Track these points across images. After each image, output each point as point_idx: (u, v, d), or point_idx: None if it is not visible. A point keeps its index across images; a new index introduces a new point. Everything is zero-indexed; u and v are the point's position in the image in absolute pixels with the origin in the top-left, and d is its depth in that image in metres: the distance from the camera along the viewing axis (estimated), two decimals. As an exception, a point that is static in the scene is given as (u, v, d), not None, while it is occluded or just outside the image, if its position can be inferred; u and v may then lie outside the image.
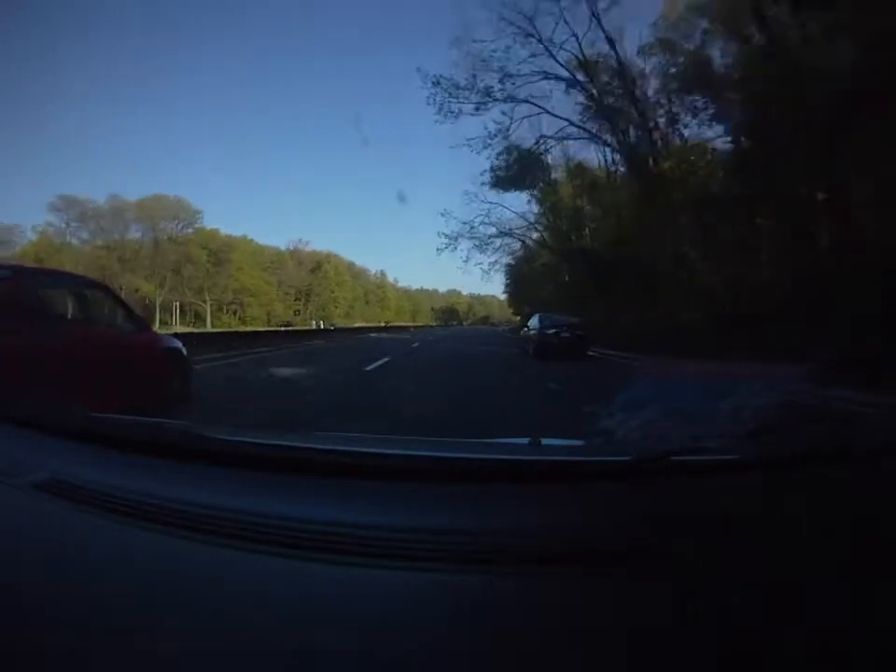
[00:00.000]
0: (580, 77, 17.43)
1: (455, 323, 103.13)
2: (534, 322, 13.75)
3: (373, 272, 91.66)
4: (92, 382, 3.69)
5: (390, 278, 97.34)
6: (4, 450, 0.97)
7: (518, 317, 56.28)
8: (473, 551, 0.59)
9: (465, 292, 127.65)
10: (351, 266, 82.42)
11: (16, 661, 0.45)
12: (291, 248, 72.90)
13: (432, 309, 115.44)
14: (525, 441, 0.99)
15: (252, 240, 67.18)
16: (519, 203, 42.98)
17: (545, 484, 0.76)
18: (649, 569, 0.55)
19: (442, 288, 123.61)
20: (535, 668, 0.44)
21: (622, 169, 19.35)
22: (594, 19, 16.12)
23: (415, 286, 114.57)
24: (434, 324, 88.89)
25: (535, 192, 25.24)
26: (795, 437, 0.93)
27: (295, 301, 68.96)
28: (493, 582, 0.55)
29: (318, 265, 73.06)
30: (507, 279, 47.42)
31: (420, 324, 70.66)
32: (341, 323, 56.73)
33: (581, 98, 17.96)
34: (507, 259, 33.29)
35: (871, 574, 0.54)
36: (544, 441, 0.99)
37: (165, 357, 4.91)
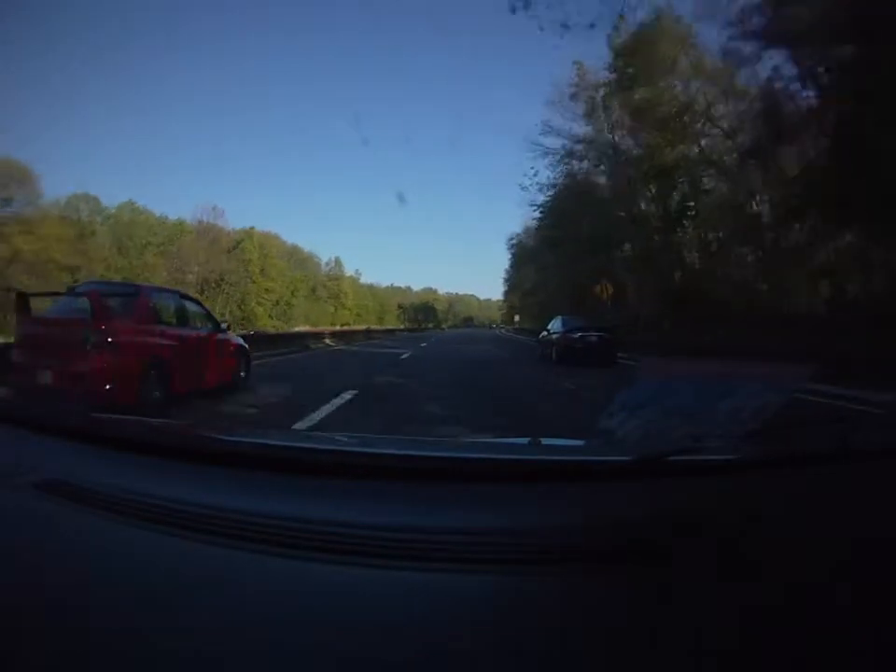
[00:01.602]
0: None
1: (430, 325, 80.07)
2: (556, 325, 12.43)
3: (325, 260, 70.42)
4: (196, 369, 5.38)
5: (350, 271, 76.44)
6: (4, 450, 0.97)
7: (516, 319, 51.01)
8: (473, 551, 0.59)
9: (442, 291, 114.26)
10: (295, 251, 61.67)
11: (16, 661, 0.45)
12: (199, 221, 47.76)
13: (399, 307, 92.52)
14: (525, 440, 0.99)
15: (133, 202, 44.79)
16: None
17: (545, 484, 0.76)
18: (649, 569, 0.55)
19: (416, 286, 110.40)
20: (535, 668, 0.44)
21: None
22: None
23: (385, 283, 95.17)
24: (402, 326, 64.44)
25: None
26: (795, 437, 0.93)
27: (200, 293, 41.68)
28: (493, 582, 0.55)
29: (237, 244, 49.98)
30: (513, 261, 39.41)
31: (361, 327, 42.53)
32: (267, 327, 41.73)
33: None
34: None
35: (871, 574, 0.54)
36: (544, 441, 0.99)
37: (236, 350, 6.52)
